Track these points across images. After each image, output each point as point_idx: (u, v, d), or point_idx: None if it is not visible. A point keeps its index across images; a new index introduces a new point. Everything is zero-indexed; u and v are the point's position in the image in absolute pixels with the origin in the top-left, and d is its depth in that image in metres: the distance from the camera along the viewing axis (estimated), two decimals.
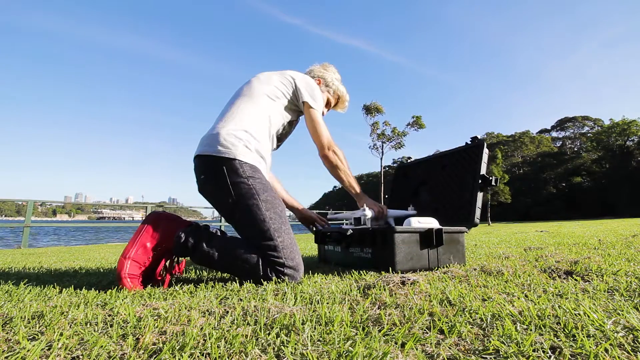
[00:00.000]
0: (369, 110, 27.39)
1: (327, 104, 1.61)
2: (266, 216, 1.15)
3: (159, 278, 1.16)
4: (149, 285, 1.10)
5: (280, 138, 1.47)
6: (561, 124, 63.86)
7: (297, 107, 1.41)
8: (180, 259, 1.22)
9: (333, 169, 1.38)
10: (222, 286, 1.05)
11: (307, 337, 0.54)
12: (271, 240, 1.12)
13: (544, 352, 0.47)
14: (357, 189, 1.45)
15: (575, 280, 0.97)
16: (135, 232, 1.16)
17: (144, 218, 1.25)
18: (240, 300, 0.83)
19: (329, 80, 1.58)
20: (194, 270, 1.54)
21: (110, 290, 1.02)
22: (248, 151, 1.22)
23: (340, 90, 1.61)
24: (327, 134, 1.37)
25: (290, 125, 1.48)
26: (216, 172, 1.19)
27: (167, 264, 1.18)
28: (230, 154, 1.18)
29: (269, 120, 1.31)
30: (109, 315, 0.70)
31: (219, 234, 1.20)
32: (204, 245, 1.13)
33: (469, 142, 1.65)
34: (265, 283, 1.06)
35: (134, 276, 1.08)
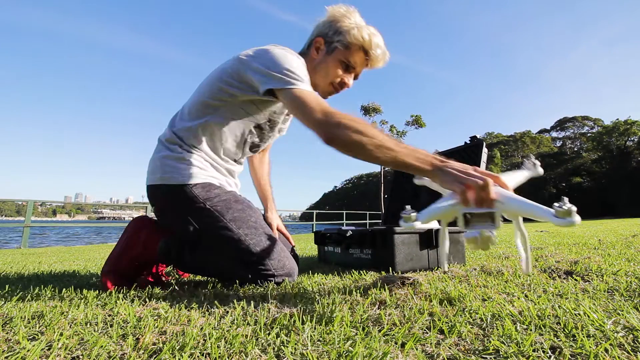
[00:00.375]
0: (366, 110, 27.46)
1: (346, 68, 1.11)
2: (240, 234, 1.04)
3: (152, 280, 1.15)
4: (148, 286, 1.10)
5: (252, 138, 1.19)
6: (561, 124, 63.91)
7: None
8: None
9: (355, 149, 0.81)
10: (222, 286, 1.05)
11: (307, 337, 0.54)
12: (253, 255, 1.03)
13: (544, 352, 0.47)
14: (420, 161, 0.78)
15: (575, 280, 0.97)
16: (118, 241, 1.12)
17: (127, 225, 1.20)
18: (240, 300, 0.83)
19: (332, 32, 1.09)
20: None
21: (110, 290, 1.02)
22: (194, 168, 1.07)
23: (355, 37, 1.07)
24: (320, 105, 0.89)
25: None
26: (167, 203, 1.09)
27: (168, 269, 1.15)
28: (175, 180, 1.05)
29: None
30: (109, 315, 0.70)
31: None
32: (187, 256, 1.07)
33: (468, 142, 1.66)
34: (265, 283, 1.05)
35: (119, 283, 1.05)
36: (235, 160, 1.22)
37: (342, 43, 1.08)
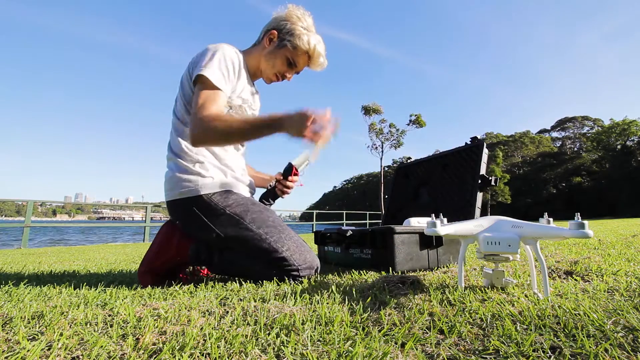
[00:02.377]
0: (367, 111, 27.48)
1: (290, 64, 1.25)
2: (261, 234, 1.10)
3: (182, 276, 1.25)
4: (150, 286, 1.11)
5: None
6: (561, 124, 63.97)
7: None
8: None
9: (214, 135, 1.03)
10: (222, 286, 1.05)
11: (307, 337, 0.54)
12: (277, 252, 1.09)
13: (544, 352, 0.47)
14: (263, 119, 1.04)
15: (575, 280, 0.97)
16: (152, 244, 1.21)
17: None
18: (240, 300, 0.83)
19: (287, 30, 1.22)
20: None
21: (110, 290, 1.02)
22: (207, 179, 1.13)
23: (305, 43, 1.22)
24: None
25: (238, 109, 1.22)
26: (189, 215, 1.14)
27: (190, 270, 1.26)
28: (193, 192, 1.12)
29: None
30: (109, 315, 0.70)
31: None
32: (216, 259, 1.15)
33: (469, 142, 1.66)
34: (265, 283, 1.06)
35: (155, 281, 1.16)
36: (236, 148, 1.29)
37: (292, 44, 1.21)
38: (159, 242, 1.20)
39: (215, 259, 1.16)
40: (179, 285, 1.07)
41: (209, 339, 0.54)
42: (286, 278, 1.09)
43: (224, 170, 1.19)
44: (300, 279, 1.09)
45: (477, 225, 0.86)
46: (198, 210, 1.12)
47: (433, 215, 0.88)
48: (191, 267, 1.29)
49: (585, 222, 0.72)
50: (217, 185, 1.14)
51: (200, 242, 1.18)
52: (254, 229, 1.11)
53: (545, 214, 0.84)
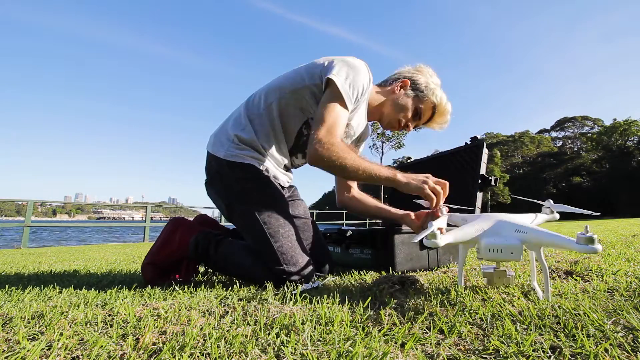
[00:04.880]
0: None
1: (416, 114, 1.26)
2: (261, 221, 1.09)
3: (179, 277, 1.25)
4: (150, 285, 1.11)
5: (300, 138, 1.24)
6: (561, 124, 63.98)
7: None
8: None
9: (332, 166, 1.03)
10: (222, 286, 1.05)
11: (307, 337, 0.54)
12: (268, 246, 1.07)
13: (544, 352, 0.47)
14: (387, 172, 1.06)
15: (575, 280, 0.97)
16: (157, 238, 1.26)
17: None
18: (240, 300, 0.83)
19: (420, 83, 1.24)
20: None
21: (110, 290, 1.02)
22: (250, 151, 1.15)
23: (437, 97, 1.24)
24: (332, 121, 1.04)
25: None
26: (211, 173, 1.21)
27: (190, 265, 1.27)
28: (220, 154, 1.16)
29: (276, 112, 1.17)
30: (109, 315, 0.70)
31: (230, 237, 1.21)
32: (211, 253, 1.17)
33: (469, 142, 1.66)
34: (265, 283, 1.06)
35: (157, 277, 1.20)
36: (290, 164, 1.30)
37: (424, 95, 1.24)
38: (163, 236, 1.25)
39: (211, 251, 1.16)
40: (179, 285, 1.07)
41: (209, 339, 0.54)
42: (277, 280, 1.04)
43: (268, 159, 1.20)
44: (293, 281, 1.04)
45: (478, 229, 0.80)
46: (219, 172, 1.16)
47: (432, 223, 0.75)
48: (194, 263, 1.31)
49: (595, 236, 0.65)
50: (246, 157, 1.15)
51: (200, 234, 1.19)
52: (256, 213, 1.09)
53: (549, 200, 0.82)
